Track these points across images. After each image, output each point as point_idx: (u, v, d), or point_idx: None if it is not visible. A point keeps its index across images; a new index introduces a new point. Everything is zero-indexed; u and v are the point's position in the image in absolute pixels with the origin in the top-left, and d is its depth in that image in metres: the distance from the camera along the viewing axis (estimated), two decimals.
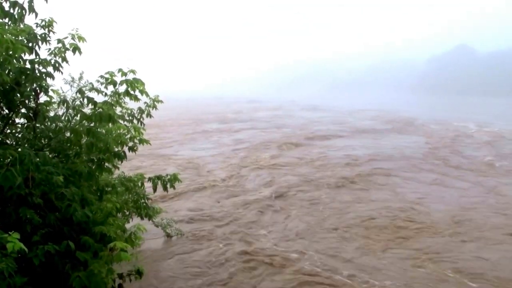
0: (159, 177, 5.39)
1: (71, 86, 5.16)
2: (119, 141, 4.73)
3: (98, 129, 4.49)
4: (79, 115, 4.51)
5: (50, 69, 4.42)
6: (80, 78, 5.24)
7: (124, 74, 4.55)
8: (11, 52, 3.80)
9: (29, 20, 4.40)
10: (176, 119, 37.02)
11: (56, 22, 4.46)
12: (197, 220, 9.45)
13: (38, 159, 3.85)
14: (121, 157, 4.73)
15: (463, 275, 6.84)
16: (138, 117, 5.49)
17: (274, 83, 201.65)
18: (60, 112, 4.92)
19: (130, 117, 5.43)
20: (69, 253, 3.78)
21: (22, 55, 4.15)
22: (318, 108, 53.10)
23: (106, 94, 4.77)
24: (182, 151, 19.88)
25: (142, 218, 6.04)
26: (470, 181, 13.70)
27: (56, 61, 4.44)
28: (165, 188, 5.39)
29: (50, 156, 4.45)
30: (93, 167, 4.58)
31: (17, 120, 4.56)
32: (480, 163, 16.91)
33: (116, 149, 4.75)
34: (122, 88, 4.68)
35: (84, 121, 4.46)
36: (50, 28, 4.44)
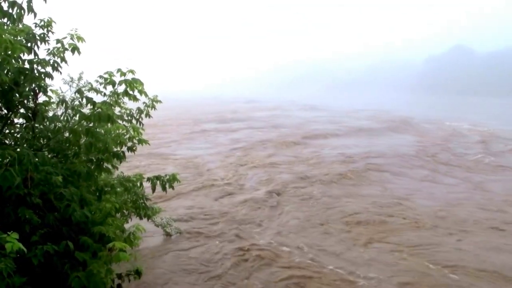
0: (158, 177, 5.39)
1: (70, 86, 5.16)
2: (118, 141, 4.73)
3: (97, 129, 4.49)
4: (78, 115, 4.51)
5: (49, 69, 4.42)
6: (80, 78, 5.24)
7: (123, 74, 4.55)
8: (10, 52, 3.80)
9: (28, 20, 4.41)
10: (175, 119, 37.01)
11: (55, 22, 4.47)
12: (195, 218, 9.53)
13: (37, 159, 3.85)
14: (120, 157, 4.73)
15: (445, 267, 7.02)
16: (137, 117, 5.49)
17: (273, 83, 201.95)
18: (59, 112, 4.92)
19: (129, 117, 5.43)
20: (68, 253, 3.78)
21: (21, 55, 4.15)
22: (317, 108, 53.12)
23: (105, 94, 4.77)
24: (180, 150, 19.92)
25: (141, 218, 6.04)
26: (459, 178, 14.05)
27: (55, 61, 4.44)
28: (163, 189, 5.38)
29: (49, 156, 4.45)
30: (92, 167, 4.58)
31: (16, 120, 4.56)
32: (470, 160, 17.30)
33: (115, 149, 4.75)
34: (121, 88, 4.68)
35: (83, 121, 4.46)
36: (49, 28, 4.45)
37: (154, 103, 5.48)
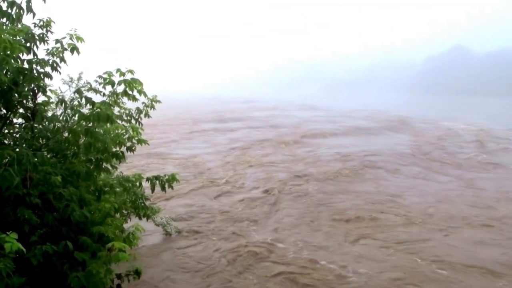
0: (157, 178, 5.38)
1: (69, 86, 5.16)
2: (117, 141, 4.72)
3: (96, 129, 4.48)
4: (77, 115, 4.50)
5: (48, 69, 4.41)
6: (79, 78, 5.24)
7: (122, 74, 4.54)
8: (9, 52, 3.79)
9: (27, 20, 4.40)
10: (175, 118, 37.09)
11: (54, 22, 4.46)
12: (194, 216, 9.65)
13: (36, 159, 3.85)
14: (119, 157, 4.73)
15: (433, 262, 7.15)
16: (136, 117, 5.49)
17: (273, 83, 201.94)
18: (58, 112, 4.92)
19: (128, 117, 5.43)
20: (67, 253, 3.78)
21: (20, 55, 4.15)
22: (316, 108, 53.17)
23: (104, 94, 4.77)
24: (179, 150, 20.02)
25: (140, 218, 6.05)
26: (451, 175, 14.33)
27: (54, 61, 4.44)
28: (163, 188, 5.38)
29: (48, 156, 4.45)
30: (91, 167, 4.58)
31: (15, 120, 4.55)
32: (463, 159, 17.55)
33: (114, 149, 4.75)
34: (120, 88, 4.68)
35: (82, 121, 4.46)
36: (48, 28, 4.44)
37: (153, 103, 5.48)
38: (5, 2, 4.17)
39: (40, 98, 4.55)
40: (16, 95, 4.27)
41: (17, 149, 3.87)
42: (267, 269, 6.82)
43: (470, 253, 7.55)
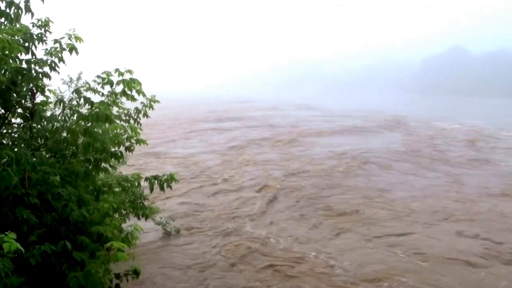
0: (155, 177, 5.38)
1: (69, 86, 5.16)
2: (116, 141, 4.72)
3: (95, 129, 4.49)
4: (76, 115, 4.50)
5: (46, 69, 4.41)
6: (78, 78, 5.23)
7: (121, 74, 4.55)
8: (7, 52, 3.79)
9: (26, 20, 4.40)
10: (174, 118, 37.26)
11: (52, 22, 4.46)
12: (192, 215, 9.86)
13: (34, 159, 3.86)
14: (118, 157, 4.73)
15: (415, 254, 7.47)
16: (135, 117, 5.49)
17: (273, 83, 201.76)
18: (57, 112, 4.92)
19: (127, 117, 5.42)
20: (66, 253, 3.77)
21: (19, 55, 4.15)
22: (314, 108, 53.54)
23: (103, 94, 4.77)
24: (178, 149, 20.19)
25: (139, 218, 6.05)
26: (440, 171, 14.87)
27: (52, 61, 4.44)
28: (161, 188, 5.38)
29: (47, 156, 4.45)
30: (90, 167, 4.58)
31: (13, 120, 4.55)
32: (453, 156, 18.15)
33: (113, 149, 4.75)
34: (119, 88, 4.68)
35: (81, 121, 4.46)
36: (46, 28, 4.44)
37: (152, 103, 5.47)
38: (4, 2, 4.18)
39: (39, 98, 4.55)
40: (15, 95, 4.28)
41: (16, 149, 3.87)
42: (259, 262, 7.09)
43: (450, 246, 7.87)
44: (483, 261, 7.23)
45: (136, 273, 4.64)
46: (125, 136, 5.09)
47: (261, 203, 10.67)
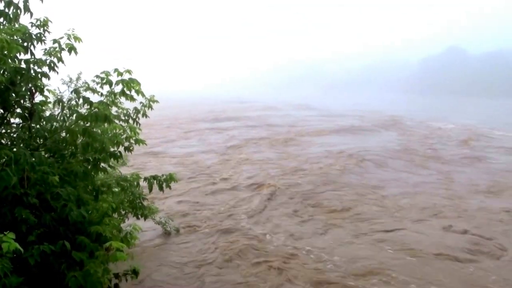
0: (154, 177, 5.38)
1: (68, 86, 5.15)
2: (115, 141, 4.72)
3: (94, 129, 4.49)
4: (74, 115, 4.50)
5: (45, 69, 4.41)
6: (78, 78, 5.23)
7: (120, 74, 4.55)
8: (6, 52, 3.79)
9: (25, 19, 4.40)
10: (174, 118, 37.29)
11: (51, 22, 4.46)
12: (190, 213, 9.97)
13: (33, 159, 3.85)
14: (117, 157, 4.73)
15: (402, 250, 7.65)
16: (134, 117, 5.48)
17: (273, 83, 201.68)
18: (56, 112, 4.91)
19: (126, 117, 5.42)
20: (65, 253, 3.77)
21: (18, 54, 4.15)
22: (313, 108, 53.66)
23: (102, 94, 4.77)
24: (177, 149, 20.28)
25: (138, 218, 6.05)
26: (433, 169, 15.30)
27: (51, 61, 4.44)
28: (160, 188, 5.37)
29: (46, 156, 4.45)
30: (89, 167, 4.58)
31: (12, 120, 4.55)
32: (446, 155, 18.60)
33: (112, 149, 4.75)
34: (118, 88, 4.68)
35: (80, 121, 4.46)
36: (45, 28, 4.44)
37: (151, 103, 5.47)
38: (2, 1, 4.18)
39: (38, 98, 4.55)
40: (14, 94, 4.28)
41: (15, 149, 3.87)
42: (254, 258, 7.28)
43: (439, 242, 8.04)
44: (471, 257, 7.39)
45: (135, 272, 4.65)
46: (124, 136, 5.08)
47: (258, 201, 10.81)
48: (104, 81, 4.59)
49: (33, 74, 4.28)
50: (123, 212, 5.82)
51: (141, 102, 5.42)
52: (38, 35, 4.41)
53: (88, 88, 4.76)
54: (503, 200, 11.15)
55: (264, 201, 10.82)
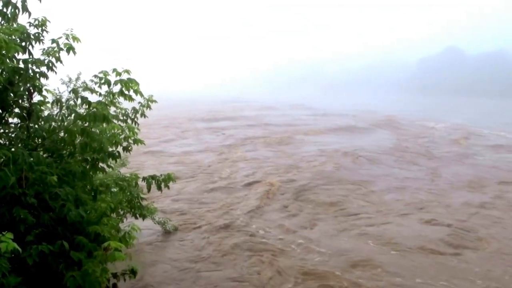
0: (153, 177, 5.37)
1: (67, 86, 5.15)
2: (114, 141, 4.72)
3: (92, 129, 4.49)
4: (73, 115, 4.50)
5: (43, 69, 4.41)
6: (77, 78, 5.23)
7: (119, 74, 4.55)
8: (4, 52, 3.79)
9: (23, 19, 4.40)
10: (173, 118, 37.32)
11: (49, 21, 4.46)
12: (189, 212, 10.09)
13: (31, 159, 3.85)
14: (115, 157, 4.73)
15: (386, 244, 7.89)
16: (133, 117, 5.49)
17: (273, 83, 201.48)
18: (54, 112, 4.91)
19: (125, 117, 5.42)
20: (63, 253, 3.77)
21: (16, 54, 4.15)
22: (312, 108, 53.90)
23: (100, 94, 4.77)
24: (175, 148, 20.39)
25: (136, 218, 6.05)
26: (423, 165, 15.90)
27: (49, 61, 4.44)
28: (159, 188, 5.37)
29: (44, 156, 4.44)
30: (87, 167, 4.58)
31: (10, 120, 4.55)
32: (436, 152, 19.23)
33: (111, 149, 4.75)
34: (116, 88, 4.68)
35: (78, 121, 4.46)
36: (43, 28, 4.44)
37: (149, 103, 5.47)
38: (0, 1, 4.17)
39: (36, 97, 4.55)
40: (12, 94, 4.28)
41: (13, 149, 3.87)
42: (249, 252, 7.49)
43: (422, 235, 8.29)
44: (454, 250, 7.63)
45: (133, 272, 4.65)
46: (123, 136, 5.09)
47: (254, 199, 11.04)
48: (103, 81, 4.60)
49: (31, 74, 4.28)
50: (121, 212, 5.81)
51: (139, 102, 5.42)
52: (36, 35, 4.40)
53: (86, 88, 4.75)
54: (485, 195, 11.61)
55: (260, 199, 11.05)
